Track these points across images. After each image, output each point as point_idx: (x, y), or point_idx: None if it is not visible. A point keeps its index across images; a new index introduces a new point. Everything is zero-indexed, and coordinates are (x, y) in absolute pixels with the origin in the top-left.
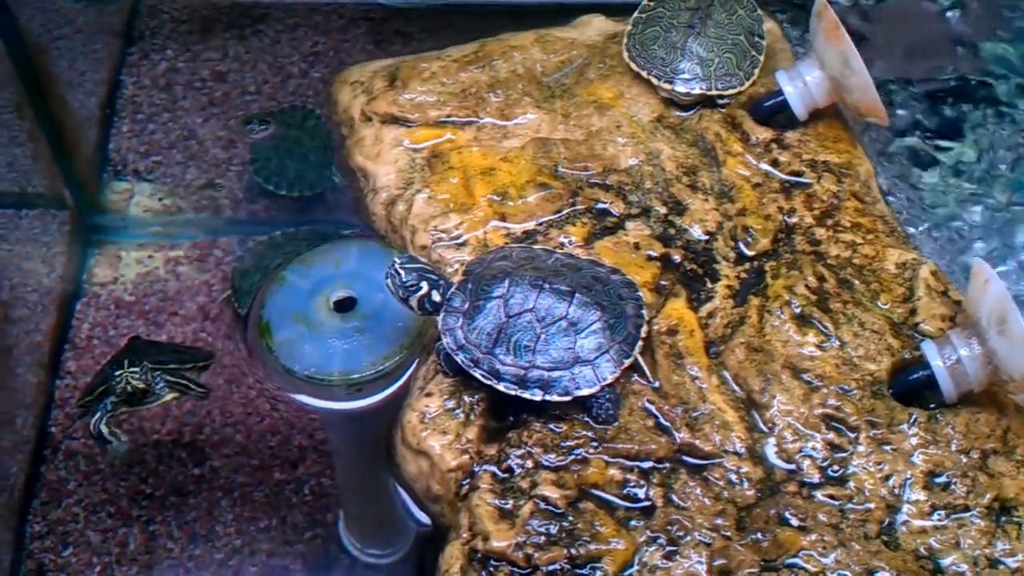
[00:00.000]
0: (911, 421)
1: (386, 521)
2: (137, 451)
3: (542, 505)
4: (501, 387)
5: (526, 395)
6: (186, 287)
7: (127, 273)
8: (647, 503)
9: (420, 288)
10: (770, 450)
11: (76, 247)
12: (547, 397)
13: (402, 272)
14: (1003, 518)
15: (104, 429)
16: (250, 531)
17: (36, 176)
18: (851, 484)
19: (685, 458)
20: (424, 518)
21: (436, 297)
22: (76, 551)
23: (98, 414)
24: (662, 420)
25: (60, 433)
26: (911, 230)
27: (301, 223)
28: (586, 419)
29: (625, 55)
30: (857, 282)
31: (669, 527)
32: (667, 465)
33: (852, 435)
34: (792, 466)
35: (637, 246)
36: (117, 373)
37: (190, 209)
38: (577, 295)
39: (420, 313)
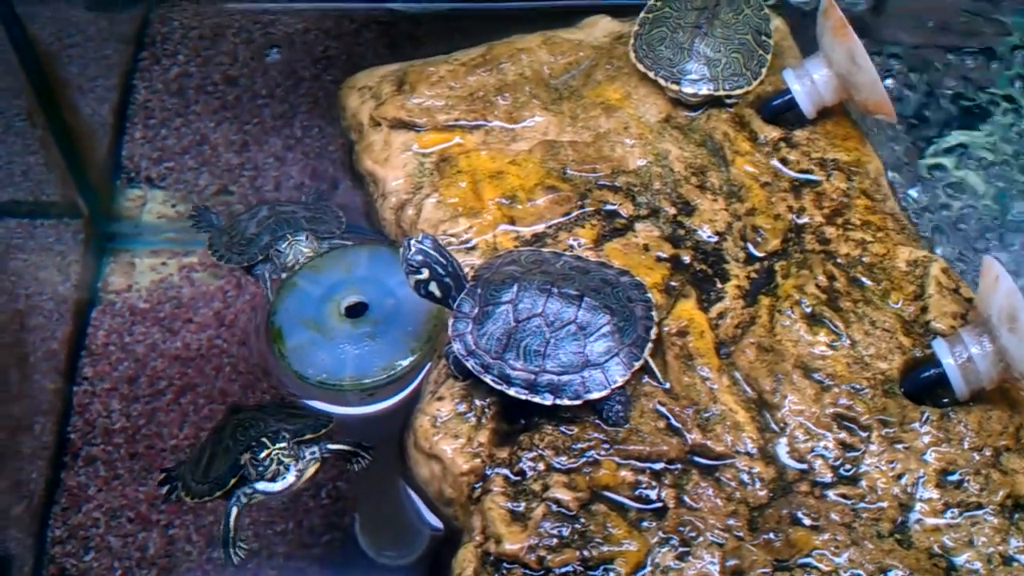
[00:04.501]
0: (923, 419)
1: (400, 524)
2: (156, 456)
3: (554, 507)
4: (512, 392)
5: (537, 399)
6: (200, 293)
7: (141, 280)
8: (659, 504)
9: (420, 273)
10: (782, 450)
11: (90, 255)
12: (558, 401)
13: (413, 248)
14: (1016, 515)
15: (232, 527)
16: (267, 534)
17: (50, 185)
18: (863, 483)
19: (697, 459)
20: (436, 522)
21: (435, 290)
22: (97, 556)
23: (234, 511)
24: (673, 421)
25: (79, 439)
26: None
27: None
28: (597, 421)
29: (632, 56)
30: (867, 280)
31: (681, 528)
32: (679, 466)
33: (864, 434)
34: (804, 466)
35: (646, 247)
36: (263, 455)
37: None
38: (586, 299)
39: (417, 294)
